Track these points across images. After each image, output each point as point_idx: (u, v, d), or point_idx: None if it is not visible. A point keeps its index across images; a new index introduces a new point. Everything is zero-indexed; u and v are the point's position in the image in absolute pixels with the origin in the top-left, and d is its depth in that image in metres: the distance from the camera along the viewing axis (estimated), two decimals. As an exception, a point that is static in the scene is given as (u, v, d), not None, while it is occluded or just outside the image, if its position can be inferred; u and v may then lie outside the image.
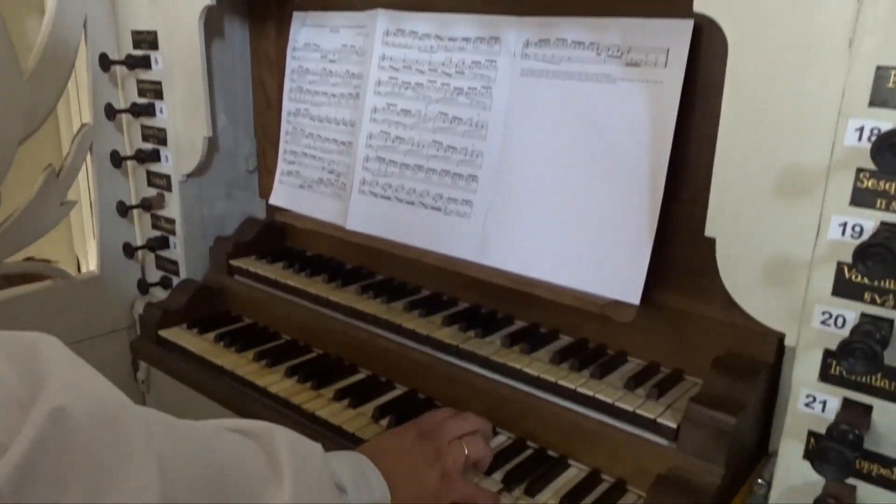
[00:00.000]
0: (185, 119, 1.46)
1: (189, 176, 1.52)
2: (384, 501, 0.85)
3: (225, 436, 0.71)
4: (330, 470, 0.78)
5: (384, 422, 1.13)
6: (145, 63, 1.46)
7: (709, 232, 0.85)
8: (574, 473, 1.02)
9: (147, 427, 0.58)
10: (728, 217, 0.83)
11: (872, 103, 0.70)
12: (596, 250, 1.04)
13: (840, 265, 0.74)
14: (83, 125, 1.50)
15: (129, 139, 1.58)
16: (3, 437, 0.49)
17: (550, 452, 1.06)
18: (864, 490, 0.77)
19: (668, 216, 1.00)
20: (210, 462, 0.65)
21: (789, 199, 0.77)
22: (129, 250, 1.59)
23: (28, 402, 0.51)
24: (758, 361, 0.97)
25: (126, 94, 1.54)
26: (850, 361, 0.68)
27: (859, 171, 0.71)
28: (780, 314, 0.81)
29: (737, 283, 0.84)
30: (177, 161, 1.50)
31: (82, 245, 1.80)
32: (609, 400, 1.00)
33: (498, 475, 1.00)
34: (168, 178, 1.53)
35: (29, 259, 1.60)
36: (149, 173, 1.57)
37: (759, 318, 0.83)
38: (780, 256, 0.79)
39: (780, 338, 0.94)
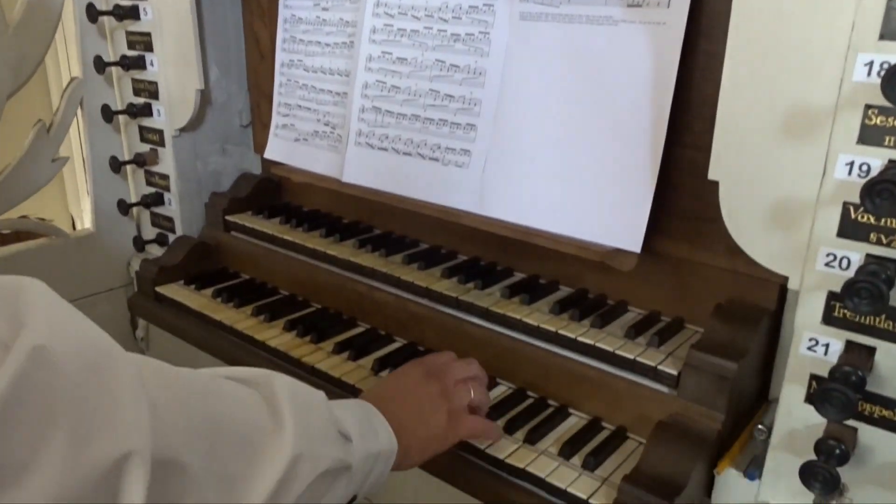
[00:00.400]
0: (176, 72, 1.43)
1: (182, 131, 1.50)
2: (391, 448, 0.82)
3: (222, 383, 0.68)
4: (333, 418, 0.75)
5: (384, 373, 1.13)
6: (134, 13, 1.43)
7: (712, 175, 0.83)
8: (574, 422, 1.02)
9: (137, 370, 0.56)
10: (732, 159, 0.81)
11: (883, 37, 0.68)
12: (596, 198, 1.02)
13: (846, 205, 0.72)
14: (72, 79, 1.47)
15: (120, 93, 1.55)
16: None
17: (551, 402, 1.06)
18: (866, 432, 0.77)
19: (670, 162, 0.98)
20: (206, 409, 0.63)
21: (795, 139, 0.76)
22: (124, 207, 1.57)
23: (9, 342, 0.49)
24: (759, 308, 0.96)
25: (115, 46, 1.51)
26: (855, 301, 0.67)
27: (868, 107, 0.69)
28: (783, 258, 0.80)
29: (740, 227, 0.83)
30: (169, 115, 1.47)
31: (77, 204, 1.79)
32: (610, 348, 0.99)
33: (499, 423, 1.00)
34: (161, 133, 1.50)
35: (24, 218, 1.59)
36: (141, 128, 1.54)
37: (763, 262, 0.82)
38: (785, 198, 0.78)
39: (783, 284, 0.95)
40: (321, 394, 0.75)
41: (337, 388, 1.11)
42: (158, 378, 0.60)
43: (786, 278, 0.81)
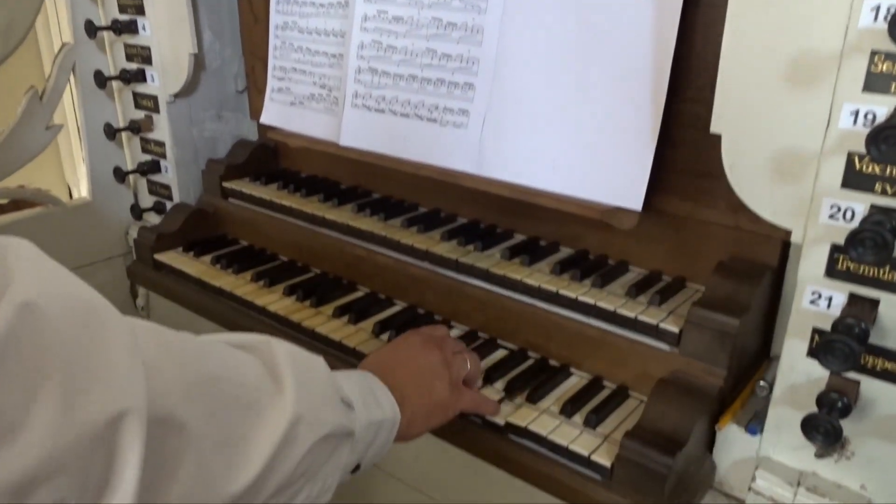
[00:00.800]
0: (169, 35, 1.41)
1: (177, 97, 1.48)
2: (394, 418, 0.80)
3: (219, 346, 0.67)
4: (335, 384, 0.74)
5: (385, 336, 1.12)
6: (124, -24, 1.40)
7: (714, 128, 0.82)
8: (576, 381, 1.02)
9: (130, 329, 0.54)
10: (735, 111, 0.79)
11: (890, -20, 0.66)
12: (596, 156, 1.01)
13: (851, 155, 0.71)
14: (64, 44, 1.44)
15: (113, 59, 1.53)
16: None
17: (552, 362, 1.06)
18: (868, 385, 0.76)
19: (671, 117, 0.96)
20: (203, 369, 0.61)
21: (799, 89, 0.74)
22: (120, 175, 1.56)
23: None
24: (761, 265, 0.96)
25: (106, 10, 1.48)
26: (859, 251, 0.66)
27: (874, 53, 0.68)
28: (787, 211, 0.79)
29: (742, 180, 0.82)
30: (163, 81, 1.45)
31: (73, 173, 1.77)
32: (611, 307, 0.99)
33: (500, 384, 1.00)
34: (155, 98, 1.48)
35: (20, 187, 1.57)
36: (135, 94, 1.52)
37: (766, 216, 0.81)
38: (789, 150, 0.76)
39: (785, 240, 0.94)
40: (321, 359, 0.74)
41: (337, 352, 1.11)
42: (153, 338, 0.58)
43: (788, 233, 0.81)
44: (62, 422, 0.47)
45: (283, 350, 0.70)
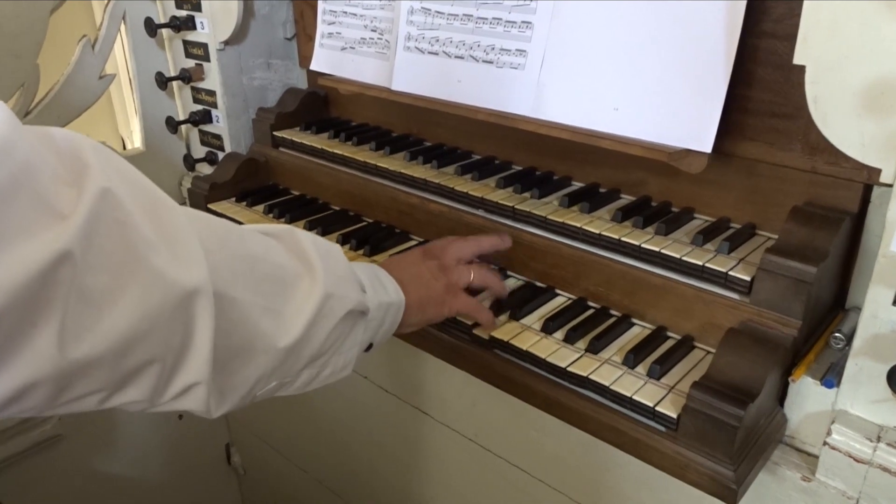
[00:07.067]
0: (217, -20, 1.38)
1: (226, 44, 1.46)
2: (399, 300, 0.87)
3: (252, 232, 0.73)
4: (351, 267, 0.81)
5: (439, 285, 1.10)
6: (172, -80, 1.37)
7: (798, 59, 0.76)
8: (638, 331, 0.99)
9: (186, 214, 0.62)
10: (823, 38, 0.73)
11: None
12: (663, 95, 0.95)
13: (954, 85, 0.65)
14: (114, -8, 1.43)
15: (163, 6, 1.51)
16: (61, 208, 0.51)
17: (613, 311, 1.03)
18: (962, 335, 0.71)
19: (744, 53, 0.90)
20: (243, 252, 0.68)
21: (897, 11, 0.67)
22: (173, 125, 1.56)
23: (73, 182, 0.53)
24: (840, 210, 0.90)
25: (155, -43, 1.46)
26: (963, 189, 0.60)
27: None
28: (876, 147, 0.73)
29: (827, 115, 0.76)
30: (213, 28, 1.43)
31: (126, 125, 1.78)
32: (676, 255, 0.94)
33: (559, 334, 0.98)
34: (205, 46, 1.47)
35: (75, 139, 1.59)
36: (185, 43, 1.51)
37: (853, 153, 0.75)
38: (882, 79, 0.70)
39: (866, 184, 0.88)
40: (338, 246, 0.81)
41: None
42: (202, 223, 0.66)
43: (870, 177, 0.75)
44: (148, 293, 0.56)
45: (306, 236, 0.77)
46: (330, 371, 0.78)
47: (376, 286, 0.84)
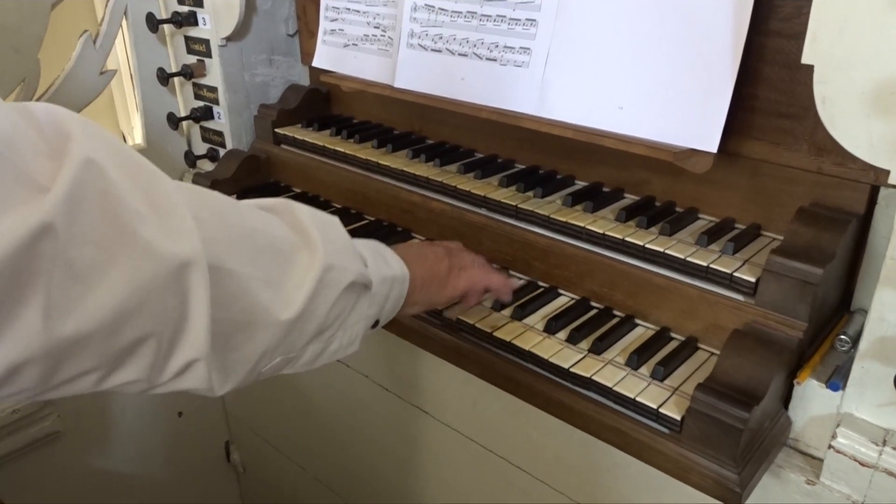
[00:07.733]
0: (219, -24, 1.37)
1: (228, 40, 1.45)
2: (403, 275, 0.86)
3: (245, 206, 0.71)
4: (351, 240, 0.79)
5: (441, 284, 1.09)
6: (174, -85, 1.36)
7: (807, 59, 0.75)
8: (641, 332, 0.98)
9: (177, 186, 0.59)
10: (832, 37, 0.72)
11: None
12: (669, 94, 0.94)
13: (965, 86, 0.64)
14: (115, -13, 1.42)
15: (165, 1, 1.50)
16: (42, 180, 0.49)
17: (616, 312, 1.02)
18: (971, 338, 0.71)
19: (751, 53, 0.89)
20: (240, 223, 0.66)
21: (908, 11, 0.67)
22: (174, 121, 1.55)
23: (54, 156, 0.51)
24: (846, 212, 0.89)
25: (157, -49, 1.46)
26: (974, 191, 0.59)
27: None
28: (885, 148, 0.72)
29: (836, 115, 0.75)
30: (215, 23, 1.43)
31: (127, 121, 1.77)
32: (680, 255, 0.94)
33: (562, 334, 0.97)
34: (207, 42, 1.46)
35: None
36: (187, 39, 1.50)
37: (861, 154, 0.74)
38: (891, 79, 0.69)
39: (873, 185, 0.87)
40: (337, 219, 0.79)
41: (393, 299, 1.09)
42: (194, 195, 0.63)
43: (879, 176, 0.74)
44: (138, 265, 0.54)
45: (303, 209, 0.75)
46: (336, 346, 0.76)
47: (378, 261, 0.82)
